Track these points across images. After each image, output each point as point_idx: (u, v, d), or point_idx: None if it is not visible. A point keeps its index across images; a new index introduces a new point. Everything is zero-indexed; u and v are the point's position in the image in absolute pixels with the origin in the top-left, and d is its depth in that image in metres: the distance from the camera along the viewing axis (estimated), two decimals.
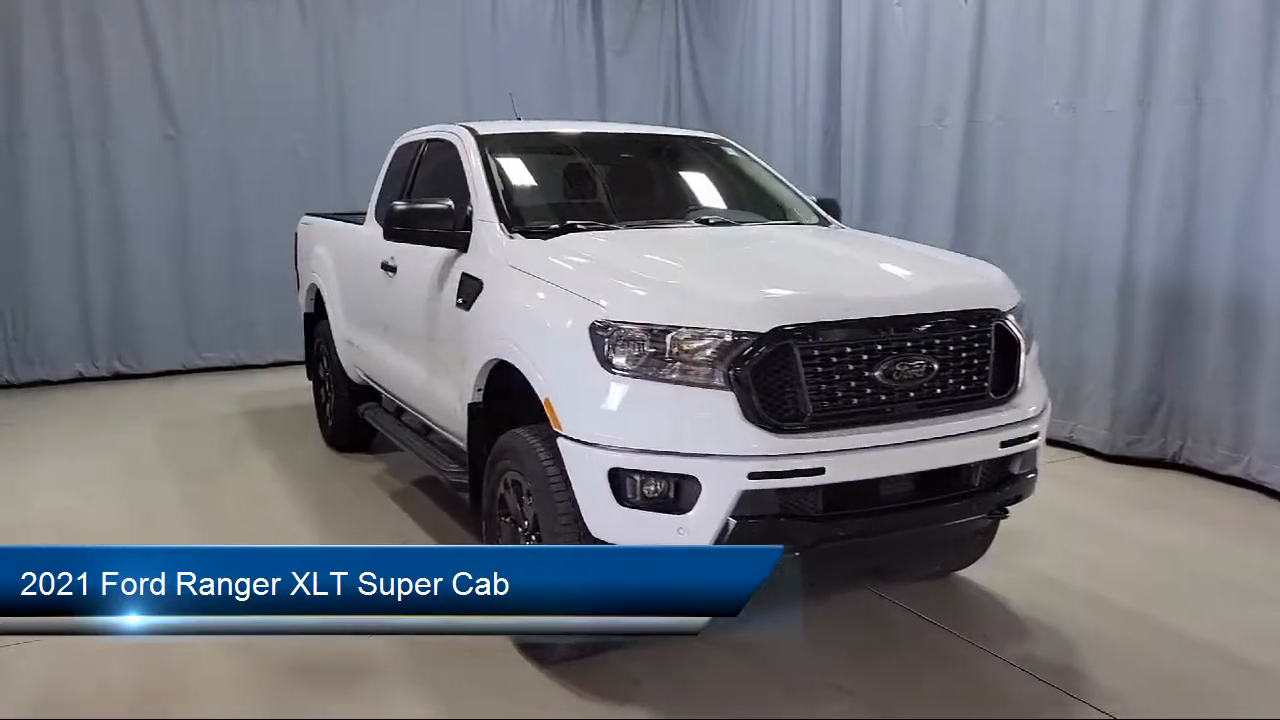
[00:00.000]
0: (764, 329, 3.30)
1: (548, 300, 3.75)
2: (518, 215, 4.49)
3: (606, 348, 3.39)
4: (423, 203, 4.55)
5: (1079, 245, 6.64)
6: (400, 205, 4.55)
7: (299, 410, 7.78)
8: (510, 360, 3.83)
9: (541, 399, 3.57)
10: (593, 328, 3.43)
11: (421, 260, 4.78)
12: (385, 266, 5.29)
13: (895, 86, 8.09)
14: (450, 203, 4.48)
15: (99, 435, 7.28)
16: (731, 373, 3.26)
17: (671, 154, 5.48)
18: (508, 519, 3.96)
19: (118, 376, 9.16)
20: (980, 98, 7.32)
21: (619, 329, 3.39)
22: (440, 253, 4.62)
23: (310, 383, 7.28)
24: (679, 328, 3.33)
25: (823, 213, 5.15)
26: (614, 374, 3.37)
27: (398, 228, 4.52)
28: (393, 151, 5.95)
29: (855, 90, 8.47)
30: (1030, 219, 6.98)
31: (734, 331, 3.30)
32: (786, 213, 5.11)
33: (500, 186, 4.61)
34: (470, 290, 4.27)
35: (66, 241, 8.88)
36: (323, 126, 9.67)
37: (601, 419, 3.37)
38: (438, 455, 4.85)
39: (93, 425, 7.60)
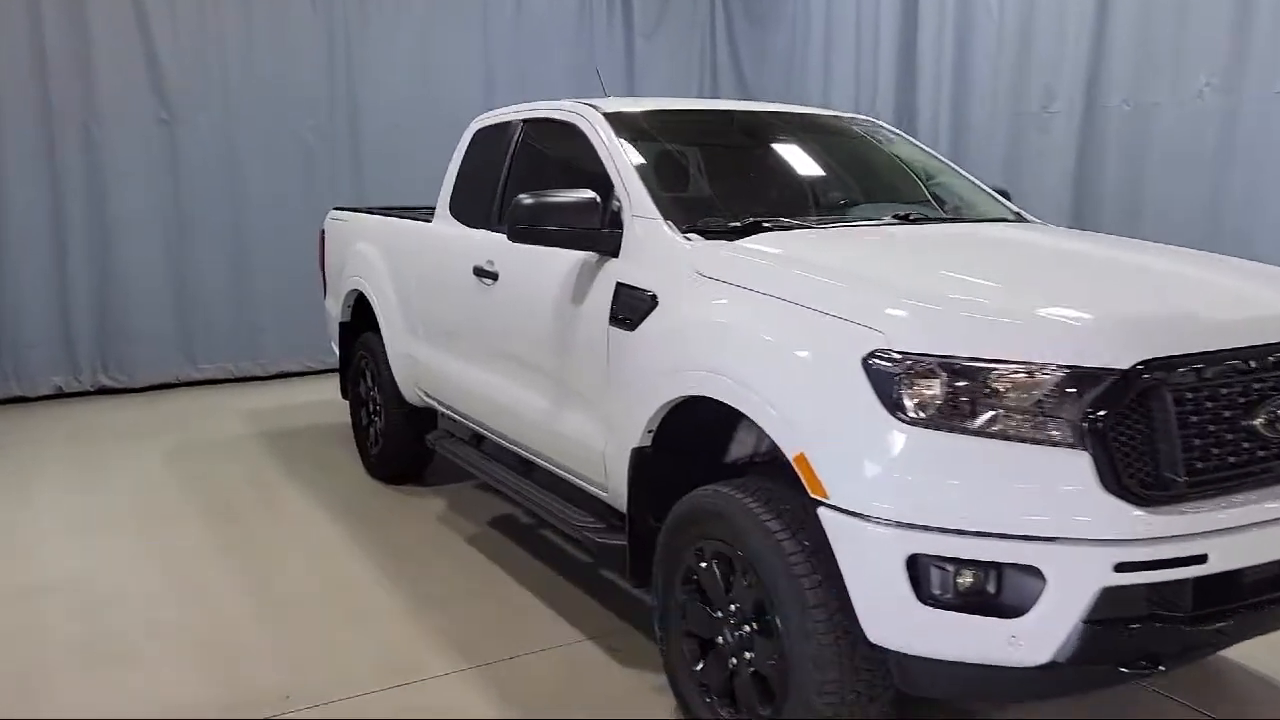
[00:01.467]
0: (1125, 364, 2.43)
1: (784, 322, 2.84)
2: (680, 210, 3.59)
3: (895, 389, 2.50)
4: (556, 195, 3.61)
5: (1230, 246, 5.80)
6: (527, 199, 3.61)
7: (325, 432, 6.82)
8: (721, 398, 2.93)
9: (788, 454, 2.68)
10: (868, 361, 2.55)
11: (542, 265, 3.87)
12: (480, 272, 4.36)
13: (987, 66, 7.29)
14: (594, 194, 3.57)
15: (97, 464, 6.22)
16: (1084, 424, 2.39)
17: (829, 139, 4.57)
18: (701, 602, 3.07)
19: (103, 391, 8.09)
20: (1101, 80, 6.55)
21: (909, 362, 2.50)
22: (572, 257, 3.71)
23: (345, 402, 6.31)
24: (1002, 362, 2.45)
25: (1012, 206, 4.32)
26: (909, 424, 2.48)
27: (529, 226, 3.60)
28: (469, 136, 5.00)
29: (939, 69, 7.68)
30: (1164, 216, 6.22)
31: (1082, 368, 2.42)
32: (972, 206, 4.26)
33: (653, 176, 3.71)
34: (635, 306, 3.36)
35: (44, 237, 7.79)
36: (333, 115, 8.63)
37: (893, 486, 2.47)
38: (566, 507, 3.92)
39: (86, 451, 6.53)
